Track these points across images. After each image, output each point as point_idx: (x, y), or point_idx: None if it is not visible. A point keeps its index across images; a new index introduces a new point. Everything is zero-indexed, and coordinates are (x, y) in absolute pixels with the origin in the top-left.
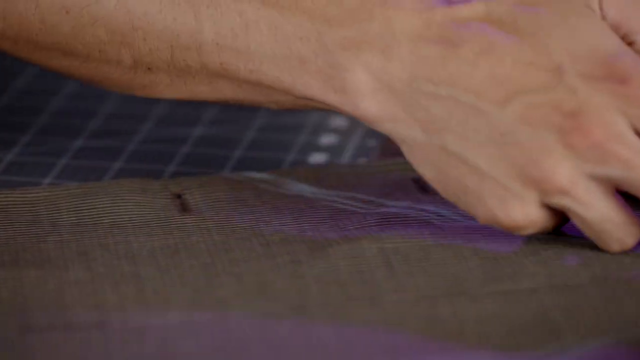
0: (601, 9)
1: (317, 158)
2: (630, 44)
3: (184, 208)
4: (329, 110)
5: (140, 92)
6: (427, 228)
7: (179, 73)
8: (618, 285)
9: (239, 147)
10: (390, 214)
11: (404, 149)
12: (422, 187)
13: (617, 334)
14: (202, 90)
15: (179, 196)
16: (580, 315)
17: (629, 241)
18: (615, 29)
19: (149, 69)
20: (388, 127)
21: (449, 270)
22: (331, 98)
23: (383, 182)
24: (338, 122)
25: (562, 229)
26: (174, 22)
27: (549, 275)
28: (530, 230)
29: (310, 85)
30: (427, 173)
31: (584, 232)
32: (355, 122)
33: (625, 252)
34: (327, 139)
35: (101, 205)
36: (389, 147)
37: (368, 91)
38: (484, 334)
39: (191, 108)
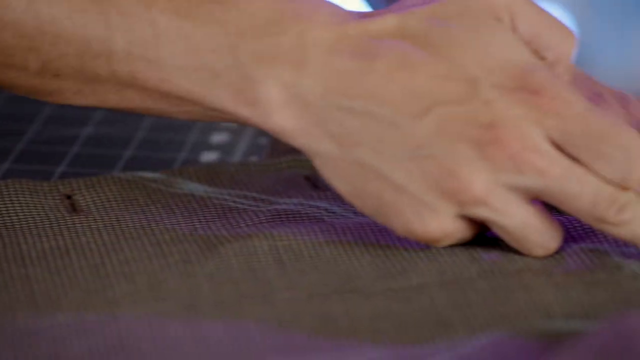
0: (513, 24)
1: (209, 156)
2: (541, 59)
3: (74, 209)
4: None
5: (47, 97)
6: (318, 225)
7: (87, 80)
8: (507, 278)
9: (129, 146)
10: (281, 211)
11: (317, 163)
12: (313, 184)
13: (507, 327)
14: (111, 98)
15: (68, 197)
16: (470, 309)
17: (552, 245)
18: (527, 44)
19: (56, 75)
20: (301, 142)
21: (341, 268)
22: (242, 111)
23: (275, 180)
24: None
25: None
26: (84, 29)
27: (439, 270)
28: (447, 242)
29: (221, 98)
30: (342, 187)
31: (506, 241)
32: None
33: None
34: (218, 138)
35: None
36: (280, 146)
37: (279, 105)
38: (376, 331)
39: (80, 107)
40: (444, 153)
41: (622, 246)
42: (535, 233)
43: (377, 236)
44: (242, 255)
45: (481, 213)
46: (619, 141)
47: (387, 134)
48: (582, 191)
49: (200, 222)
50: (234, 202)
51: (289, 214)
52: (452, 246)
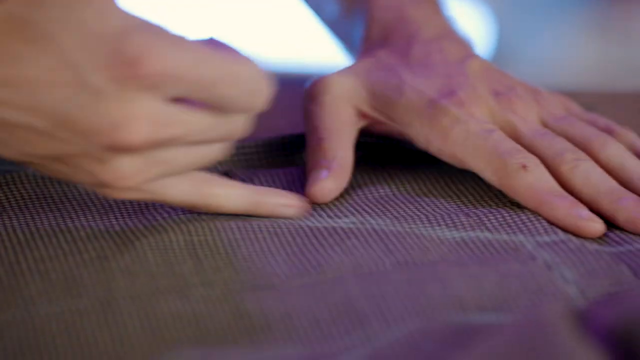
0: None
1: None
2: None
3: None
4: None
5: None
6: (235, 222)
7: None
8: (421, 270)
9: None
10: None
11: None
12: (230, 178)
13: (422, 320)
14: None
15: None
16: (384, 302)
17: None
18: None
19: None
20: None
21: (256, 265)
22: None
23: None
24: None
25: None
26: None
27: (354, 264)
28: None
29: None
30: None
31: None
32: None
33: (427, 238)
34: None
35: None
36: None
37: None
38: (290, 327)
39: None
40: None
41: (537, 236)
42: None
43: (292, 234)
44: (158, 249)
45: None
46: (234, 81)
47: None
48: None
49: (116, 218)
50: None
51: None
52: (367, 239)
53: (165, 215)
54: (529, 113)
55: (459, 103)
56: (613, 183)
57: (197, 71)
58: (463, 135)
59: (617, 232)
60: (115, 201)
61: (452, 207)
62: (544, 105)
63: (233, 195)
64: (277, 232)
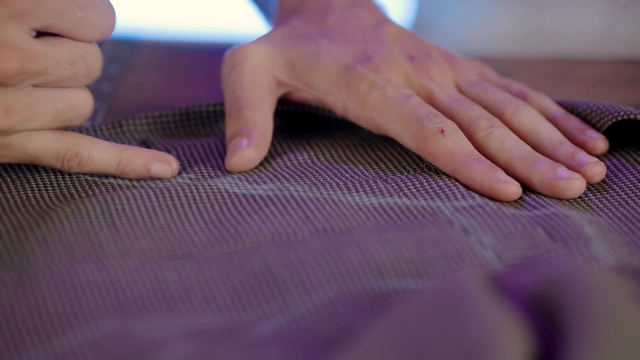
0: None
1: None
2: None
3: None
4: None
5: None
6: (153, 190)
7: None
8: (340, 237)
9: None
10: (117, 182)
11: None
12: (148, 147)
13: (341, 287)
14: None
15: None
16: (303, 269)
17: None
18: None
19: None
20: None
21: (174, 234)
22: None
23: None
24: None
25: None
26: None
27: (272, 232)
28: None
29: None
30: None
31: None
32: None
33: (345, 205)
34: None
35: None
36: (115, 110)
37: None
38: (209, 296)
39: None
40: None
41: (454, 201)
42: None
43: (211, 201)
44: (74, 219)
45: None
46: None
47: None
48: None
49: (32, 190)
50: None
51: (123, 188)
52: (286, 206)
53: (83, 193)
54: (444, 78)
55: (375, 68)
56: (527, 148)
57: None
58: (380, 100)
59: (534, 196)
60: (32, 174)
61: (370, 173)
62: (459, 71)
63: (102, 148)
64: (196, 199)
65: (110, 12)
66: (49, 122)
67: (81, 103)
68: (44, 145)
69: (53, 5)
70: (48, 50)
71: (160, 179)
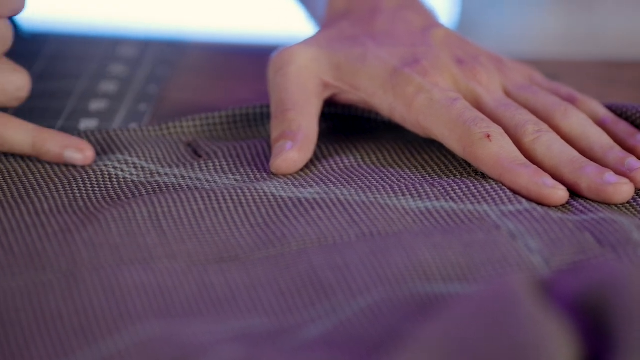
0: None
1: (88, 124)
2: None
3: None
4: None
5: None
6: (199, 193)
7: None
8: (386, 240)
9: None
10: (162, 184)
11: None
12: (194, 150)
13: (387, 290)
14: None
15: None
16: (349, 272)
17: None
18: None
19: None
20: None
21: (220, 237)
22: None
23: (156, 147)
24: (108, 87)
25: None
26: None
27: (319, 235)
28: None
29: None
30: None
31: None
32: (125, 86)
33: (391, 209)
34: (96, 105)
35: None
36: (162, 112)
37: None
38: (255, 299)
39: None
40: None
41: (501, 205)
42: None
43: (257, 204)
44: (121, 221)
45: None
46: None
47: None
48: None
49: (80, 190)
50: (115, 168)
51: (170, 183)
52: (332, 210)
53: (129, 193)
54: (492, 82)
55: (422, 72)
56: (574, 153)
57: None
58: (427, 103)
59: (581, 200)
60: (79, 172)
61: (416, 177)
62: (507, 74)
63: (16, 131)
64: (242, 202)
65: None
66: None
67: (15, 86)
68: None
69: None
70: None
71: (198, 179)
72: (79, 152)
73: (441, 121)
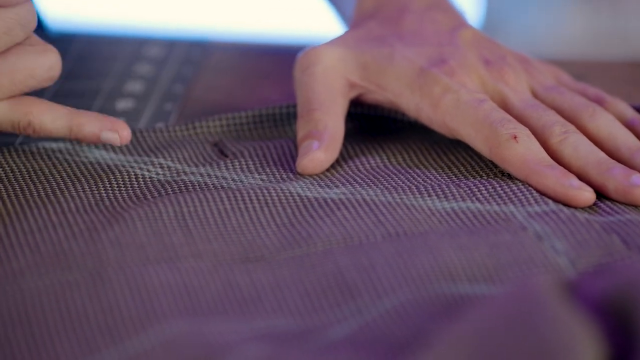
0: None
1: (124, 105)
2: None
3: None
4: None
5: None
6: (225, 192)
7: None
8: (412, 241)
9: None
10: (188, 183)
11: None
12: (220, 150)
13: (412, 291)
14: None
15: None
16: (375, 273)
17: None
18: None
19: None
20: None
21: (246, 236)
22: None
23: (182, 147)
24: (134, 86)
25: None
26: None
27: (344, 235)
28: None
29: None
30: None
31: None
32: (151, 86)
33: (417, 209)
34: (123, 104)
35: None
36: (187, 111)
37: None
38: (281, 299)
39: None
40: None
41: (527, 207)
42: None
43: (283, 204)
44: (147, 220)
45: None
46: None
47: None
48: None
49: (105, 189)
50: (140, 169)
51: (197, 183)
52: (358, 210)
53: (155, 192)
54: (519, 83)
55: (450, 72)
56: (601, 154)
57: None
58: (454, 103)
59: (608, 202)
60: (105, 173)
61: (442, 178)
62: (534, 75)
63: (55, 116)
64: (268, 202)
65: None
66: (5, 94)
67: (45, 68)
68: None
69: None
70: None
71: (224, 178)
72: (115, 133)
73: (468, 122)
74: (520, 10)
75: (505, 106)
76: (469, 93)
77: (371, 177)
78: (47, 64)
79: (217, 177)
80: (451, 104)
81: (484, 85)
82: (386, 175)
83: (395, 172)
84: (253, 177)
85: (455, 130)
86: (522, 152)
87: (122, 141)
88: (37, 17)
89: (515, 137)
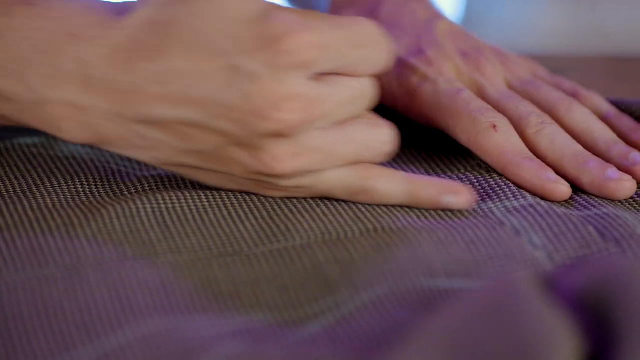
0: None
1: None
2: None
3: None
4: None
5: None
6: (203, 191)
7: None
8: (390, 236)
9: None
10: (165, 177)
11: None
12: None
13: (390, 285)
14: None
15: None
16: (353, 267)
17: None
18: None
19: None
20: (107, 147)
21: (224, 231)
22: (35, 124)
23: None
24: None
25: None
26: None
27: (322, 230)
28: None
29: (13, 114)
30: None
31: None
32: None
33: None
34: None
35: None
36: None
37: (67, 122)
38: (258, 293)
39: None
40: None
41: (505, 201)
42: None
43: (261, 199)
44: (124, 217)
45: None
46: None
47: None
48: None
49: (82, 185)
50: (117, 164)
51: (174, 179)
52: (337, 206)
53: (132, 188)
54: (495, 75)
55: (427, 62)
56: (578, 147)
57: (332, 36)
58: (432, 93)
59: (585, 196)
60: (81, 168)
61: (420, 172)
62: (511, 68)
63: (391, 180)
64: (246, 198)
65: (385, 45)
66: (341, 163)
67: (379, 141)
68: (335, 183)
69: (336, 50)
70: (329, 92)
71: None
72: (457, 197)
73: (446, 111)
74: (499, 4)
75: (482, 97)
76: (447, 82)
77: None
78: (381, 138)
79: None
80: (429, 93)
81: (461, 76)
82: None
83: None
84: None
85: (433, 119)
86: (500, 142)
87: (465, 205)
88: (377, 95)
89: (494, 127)
